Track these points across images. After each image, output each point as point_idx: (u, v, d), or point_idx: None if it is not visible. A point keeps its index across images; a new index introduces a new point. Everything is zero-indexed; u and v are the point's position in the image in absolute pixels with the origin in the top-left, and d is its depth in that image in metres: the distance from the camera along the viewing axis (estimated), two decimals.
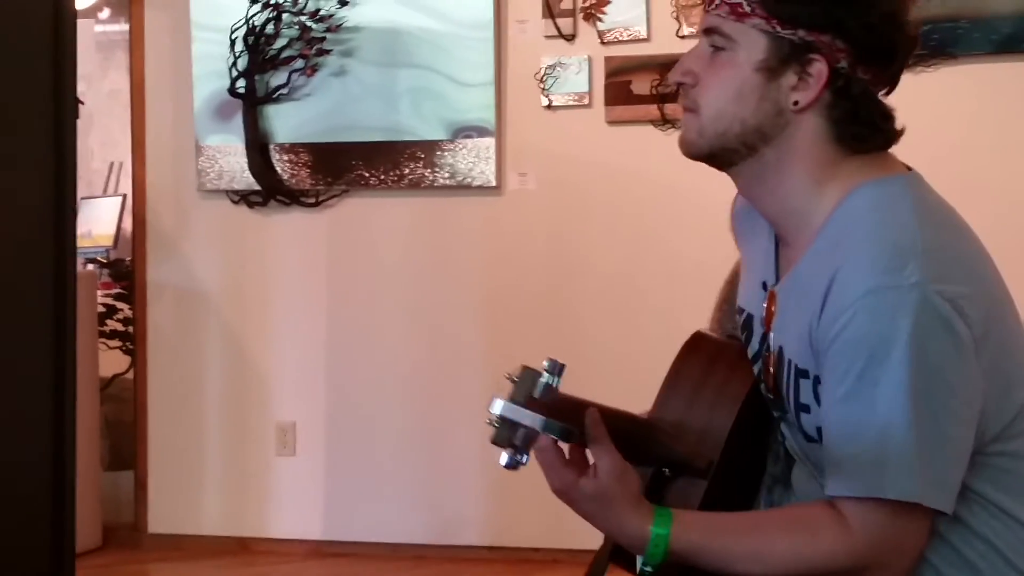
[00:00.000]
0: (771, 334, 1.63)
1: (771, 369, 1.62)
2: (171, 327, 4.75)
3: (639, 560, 1.52)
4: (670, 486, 1.58)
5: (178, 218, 4.73)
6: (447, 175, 4.45)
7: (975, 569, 1.53)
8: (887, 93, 1.59)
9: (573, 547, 4.10)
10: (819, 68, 1.53)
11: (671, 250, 4.31)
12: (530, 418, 1.37)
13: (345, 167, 4.54)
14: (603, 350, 4.32)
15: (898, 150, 1.62)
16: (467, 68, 4.42)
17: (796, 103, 1.54)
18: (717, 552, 1.50)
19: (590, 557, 1.62)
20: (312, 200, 4.60)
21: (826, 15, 1.52)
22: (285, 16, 4.50)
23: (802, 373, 1.55)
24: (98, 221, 5.79)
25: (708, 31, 1.57)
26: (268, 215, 4.65)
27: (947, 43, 4.02)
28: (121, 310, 5.03)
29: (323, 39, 4.49)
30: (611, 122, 4.36)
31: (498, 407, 1.38)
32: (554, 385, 1.39)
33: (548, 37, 4.40)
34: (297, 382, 4.66)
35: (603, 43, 4.36)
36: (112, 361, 5.01)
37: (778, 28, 1.52)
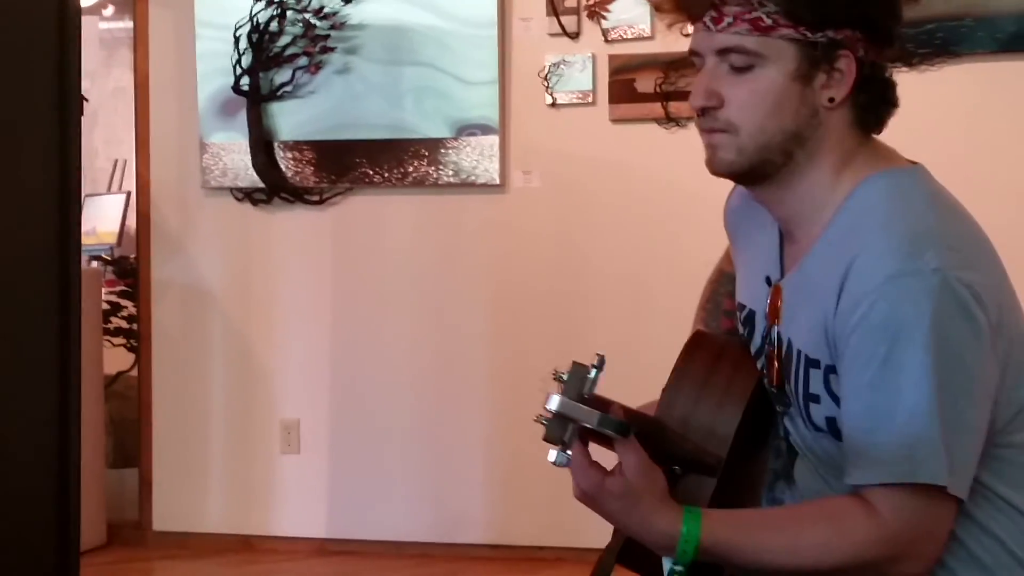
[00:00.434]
0: (777, 328, 1.63)
1: (776, 363, 1.62)
2: (175, 324, 4.75)
3: (667, 563, 1.49)
4: (679, 484, 1.57)
5: (182, 216, 4.73)
6: (451, 173, 4.45)
7: (980, 563, 1.53)
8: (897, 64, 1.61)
9: (578, 545, 4.10)
10: (847, 62, 1.54)
11: (675, 247, 4.30)
12: (587, 414, 1.37)
13: (349, 165, 4.54)
14: (608, 347, 4.25)
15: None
16: (471, 66, 4.41)
17: (832, 100, 1.55)
18: (748, 548, 1.49)
19: (595, 555, 1.61)
20: (316, 198, 4.60)
21: (849, 9, 1.53)
22: (289, 13, 4.50)
23: (813, 363, 1.55)
24: (102, 218, 5.81)
25: (724, 51, 1.55)
26: (272, 213, 4.65)
27: (951, 42, 4.01)
28: (125, 307, 5.03)
29: (327, 36, 4.48)
30: (615, 120, 4.35)
31: (555, 403, 1.37)
32: (597, 381, 1.40)
33: (552, 35, 4.39)
34: (301, 380, 4.66)
35: (607, 41, 4.35)
36: (116, 358, 5.02)
37: (807, 34, 1.52)
